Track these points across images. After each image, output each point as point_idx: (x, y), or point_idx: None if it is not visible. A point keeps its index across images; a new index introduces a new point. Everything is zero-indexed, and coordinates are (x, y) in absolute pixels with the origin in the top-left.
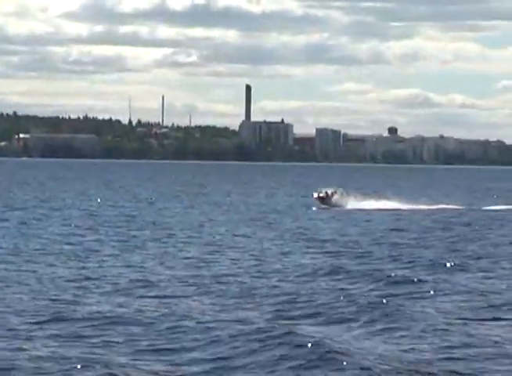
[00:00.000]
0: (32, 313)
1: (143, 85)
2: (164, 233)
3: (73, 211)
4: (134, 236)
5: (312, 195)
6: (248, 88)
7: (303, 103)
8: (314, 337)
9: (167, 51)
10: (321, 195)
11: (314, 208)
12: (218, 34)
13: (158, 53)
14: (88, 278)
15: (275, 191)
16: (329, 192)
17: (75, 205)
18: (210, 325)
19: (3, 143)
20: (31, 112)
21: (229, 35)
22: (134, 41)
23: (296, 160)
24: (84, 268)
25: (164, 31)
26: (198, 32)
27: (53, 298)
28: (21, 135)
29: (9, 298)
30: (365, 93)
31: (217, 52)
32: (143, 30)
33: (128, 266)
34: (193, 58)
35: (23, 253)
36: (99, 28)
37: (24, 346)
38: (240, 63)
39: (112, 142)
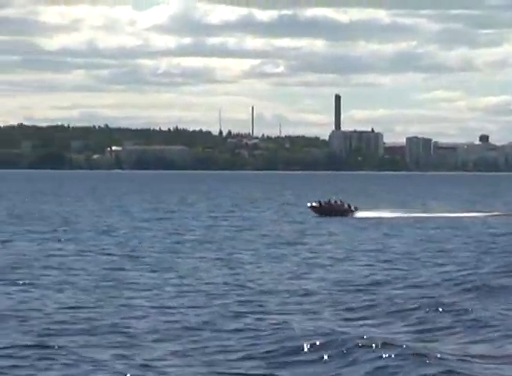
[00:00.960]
0: (207, 314)
1: (232, 96)
2: (285, 243)
3: (191, 222)
4: (262, 245)
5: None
6: (338, 98)
7: (391, 111)
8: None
9: (255, 62)
10: (314, 204)
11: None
12: (305, 43)
13: (246, 64)
14: (241, 286)
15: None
16: (332, 201)
17: (190, 216)
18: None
19: (96, 156)
20: (121, 125)
21: (317, 45)
22: (222, 52)
23: (386, 169)
24: (235, 274)
25: (252, 42)
26: (285, 42)
27: (214, 304)
28: (113, 148)
29: (186, 304)
30: (454, 101)
31: (305, 62)
32: (231, 41)
33: (274, 274)
34: (281, 68)
35: (175, 261)
36: (187, 40)
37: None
38: (328, 72)
39: (203, 153)
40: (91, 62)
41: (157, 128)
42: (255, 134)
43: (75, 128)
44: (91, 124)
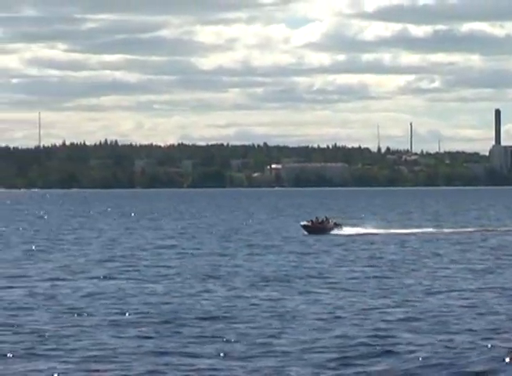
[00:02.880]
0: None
1: (387, 112)
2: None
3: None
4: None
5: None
6: (497, 113)
7: None
8: None
9: (410, 77)
10: (306, 223)
11: None
12: (461, 58)
13: (401, 80)
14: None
15: None
16: (321, 219)
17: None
18: None
19: (256, 174)
20: (276, 142)
21: (473, 59)
22: (376, 68)
23: None
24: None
25: (407, 58)
26: (441, 57)
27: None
28: (273, 166)
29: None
30: None
31: (460, 77)
32: (386, 57)
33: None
34: (437, 84)
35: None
36: (341, 57)
37: None
38: (484, 87)
39: (362, 170)
40: (247, 80)
41: (315, 146)
42: (412, 150)
43: (234, 147)
44: (247, 143)
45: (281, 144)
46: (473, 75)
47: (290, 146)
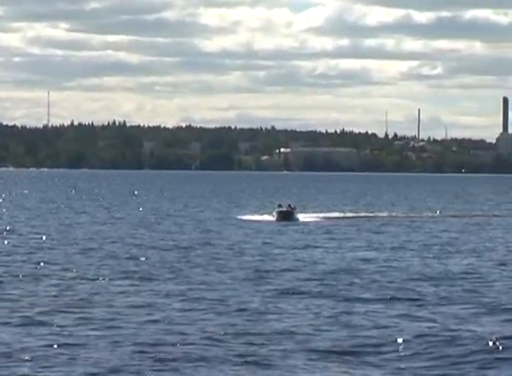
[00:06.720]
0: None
1: (389, 98)
2: None
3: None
4: None
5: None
6: (505, 100)
7: None
8: None
9: (413, 63)
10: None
11: None
12: (463, 45)
13: (403, 66)
14: None
15: None
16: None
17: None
18: None
19: (265, 157)
20: (280, 126)
21: (475, 47)
22: (379, 54)
23: None
24: None
25: (409, 44)
26: (443, 44)
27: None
28: (282, 150)
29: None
30: None
31: (463, 64)
32: (388, 42)
33: None
34: (439, 70)
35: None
36: (343, 42)
37: None
38: (487, 74)
39: (371, 155)
40: (249, 63)
41: (323, 130)
42: (416, 136)
43: (241, 130)
44: (252, 126)
45: (285, 128)
46: (475, 62)
47: (298, 129)
